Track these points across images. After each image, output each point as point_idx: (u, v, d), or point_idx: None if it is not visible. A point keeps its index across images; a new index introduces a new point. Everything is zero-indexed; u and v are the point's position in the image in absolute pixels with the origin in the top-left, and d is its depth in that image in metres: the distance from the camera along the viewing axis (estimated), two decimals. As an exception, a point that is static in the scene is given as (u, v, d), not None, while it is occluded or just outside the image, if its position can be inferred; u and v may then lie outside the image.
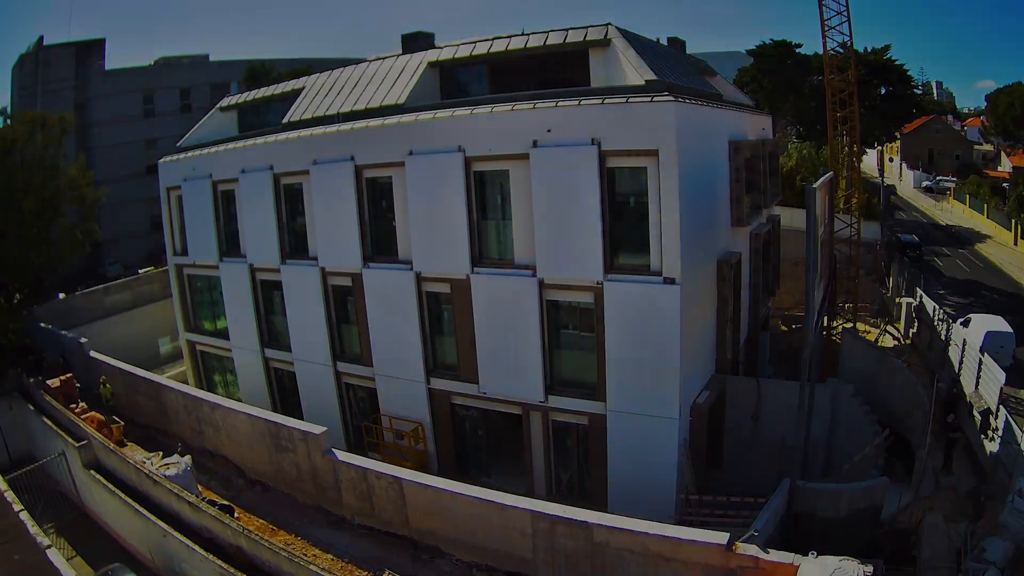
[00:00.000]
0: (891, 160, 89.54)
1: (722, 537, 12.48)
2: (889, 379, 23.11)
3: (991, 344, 25.19)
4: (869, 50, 54.90)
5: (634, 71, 18.50)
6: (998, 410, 18.83)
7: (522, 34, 21.95)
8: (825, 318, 25.50)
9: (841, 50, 29.87)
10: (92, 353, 27.35)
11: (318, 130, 22.95)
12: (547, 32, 21.17)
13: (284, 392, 26.67)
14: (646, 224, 17.39)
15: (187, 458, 19.67)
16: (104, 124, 55.68)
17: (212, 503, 17.39)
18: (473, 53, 22.25)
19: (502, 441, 21.72)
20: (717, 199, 20.93)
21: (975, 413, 20.11)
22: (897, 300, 32.57)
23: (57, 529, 18.15)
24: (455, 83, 23.29)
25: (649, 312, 17.47)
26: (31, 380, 24.33)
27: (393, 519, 16.98)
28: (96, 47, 59.38)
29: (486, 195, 19.92)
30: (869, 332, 31.20)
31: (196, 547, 14.53)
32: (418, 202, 20.57)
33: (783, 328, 31.44)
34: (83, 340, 27.91)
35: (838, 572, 10.99)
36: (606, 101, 17.56)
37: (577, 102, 17.92)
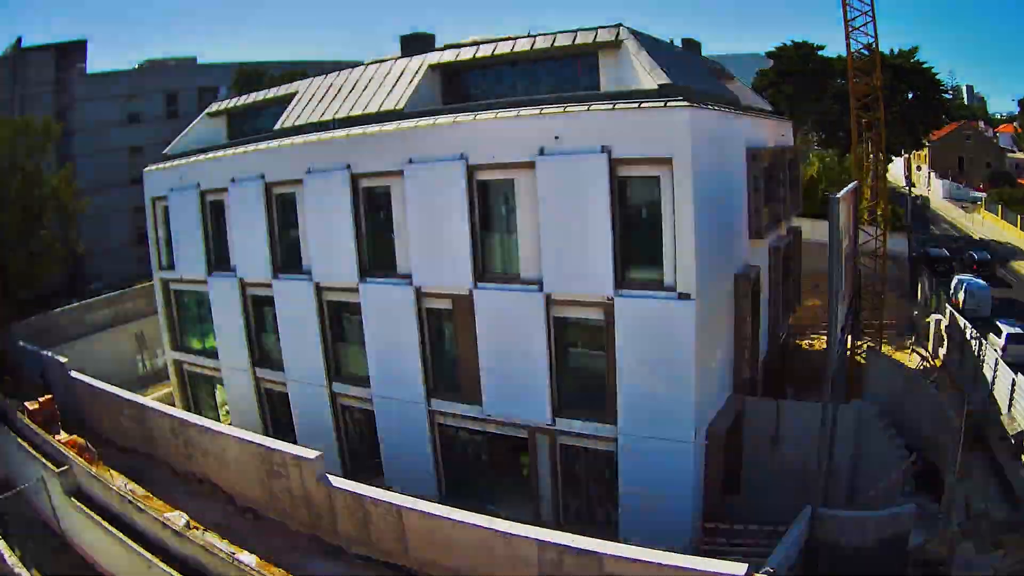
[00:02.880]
0: (919, 169, 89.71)
1: (740, 568, 12.56)
2: (917, 400, 23.14)
3: (969, 300, 35.77)
4: (896, 52, 55.20)
5: (647, 75, 18.67)
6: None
7: (528, 35, 22.19)
8: (849, 336, 25.58)
9: (866, 52, 30.09)
10: (73, 373, 27.50)
11: (312, 137, 23.22)
12: (555, 34, 21.37)
13: (276, 414, 26.78)
14: (659, 236, 17.49)
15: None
16: (86, 130, 55.89)
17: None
18: (476, 55, 22.48)
19: (507, 466, 21.79)
20: (734, 210, 21.08)
21: (1008, 437, 20.17)
22: (926, 319, 32.62)
23: (36, 559, 18.23)
24: (457, 87, 23.56)
25: (662, 329, 17.58)
26: (8, 401, 24.48)
27: (392, 548, 17.04)
28: (77, 49, 59.83)
29: (490, 206, 20.10)
30: (897, 352, 31.25)
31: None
32: (418, 213, 20.77)
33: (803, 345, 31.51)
34: (63, 360, 28.06)
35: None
36: (617, 106, 17.74)
37: (586, 107, 18.10)
